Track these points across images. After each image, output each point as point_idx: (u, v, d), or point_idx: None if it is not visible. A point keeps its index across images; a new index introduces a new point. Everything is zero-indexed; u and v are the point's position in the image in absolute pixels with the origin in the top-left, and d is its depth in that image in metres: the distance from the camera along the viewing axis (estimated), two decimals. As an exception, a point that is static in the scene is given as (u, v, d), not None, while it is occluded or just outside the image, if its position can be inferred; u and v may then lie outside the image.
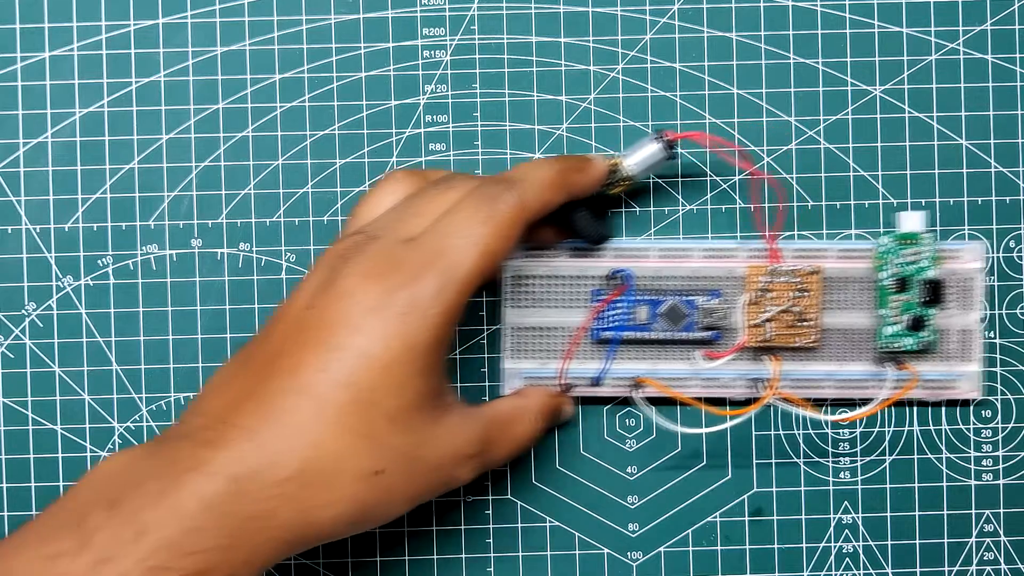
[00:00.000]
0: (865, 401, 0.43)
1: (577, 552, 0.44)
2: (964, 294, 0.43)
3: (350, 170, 0.44)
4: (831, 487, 0.44)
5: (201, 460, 0.34)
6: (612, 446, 0.45)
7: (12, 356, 0.44)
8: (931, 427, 0.44)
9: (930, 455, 0.45)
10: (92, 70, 0.44)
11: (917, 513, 0.44)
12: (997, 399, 0.45)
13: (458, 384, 0.44)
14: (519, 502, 0.44)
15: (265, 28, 0.44)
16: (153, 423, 0.44)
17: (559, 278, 0.43)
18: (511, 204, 0.37)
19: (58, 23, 0.44)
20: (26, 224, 0.44)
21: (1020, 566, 0.45)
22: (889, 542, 0.44)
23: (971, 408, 0.45)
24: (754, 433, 0.44)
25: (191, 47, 0.44)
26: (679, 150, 0.42)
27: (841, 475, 0.44)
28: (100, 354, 0.44)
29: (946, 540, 0.44)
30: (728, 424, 0.42)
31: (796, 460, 0.44)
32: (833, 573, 0.44)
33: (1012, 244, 0.44)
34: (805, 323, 0.42)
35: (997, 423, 0.45)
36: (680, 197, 0.44)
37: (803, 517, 0.44)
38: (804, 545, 0.44)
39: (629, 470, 0.45)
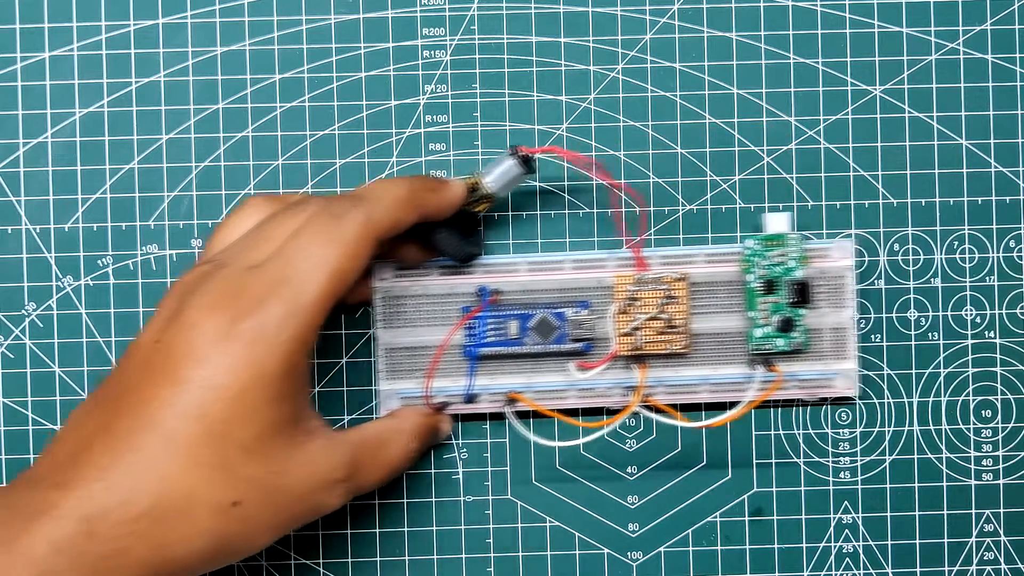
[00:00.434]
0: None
1: (577, 552, 0.44)
2: (836, 292, 0.43)
3: (350, 170, 0.44)
4: (831, 487, 0.44)
5: (51, 503, 0.33)
6: (612, 446, 0.45)
7: (12, 356, 0.44)
8: (931, 427, 0.44)
9: (930, 455, 0.45)
10: (92, 70, 0.44)
11: (917, 513, 0.44)
12: (997, 399, 0.45)
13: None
14: (519, 502, 0.44)
15: (265, 28, 0.44)
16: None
17: (430, 296, 0.43)
18: (358, 222, 0.37)
19: (58, 23, 0.44)
20: (26, 224, 0.44)
21: (1020, 566, 0.45)
22: (889, 542, 0.44)
23: (971, 408, 0.45)
24: (754, 433, 0.44)
25: (191, 47, 0.44)
26: (536, 164, 0.42)
27: (841, 475, 0.44)
28: (100, 354, 0.44)
29: (946, 540, 0.44)
30: (584, 439, 0.42)
31: (796, 460, 0.44)
32: (833, 573, 0.44)
33: (1012, 244, 0.44)
34: (675, 330, 0.42)
35: (997, 423, 0.45)
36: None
37: (803, 517, 0.44)
38: (804, 545, 0.44)
39: (629, 470, 0.45)
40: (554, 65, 0.44)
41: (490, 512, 0.44)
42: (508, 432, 0.44)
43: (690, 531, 0.44)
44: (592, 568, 0.44)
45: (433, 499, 0.44)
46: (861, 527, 0.44)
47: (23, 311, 0.44)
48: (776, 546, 0.44)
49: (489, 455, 0.44)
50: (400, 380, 0.43)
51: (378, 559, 0.44)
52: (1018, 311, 0.45)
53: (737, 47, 0.44)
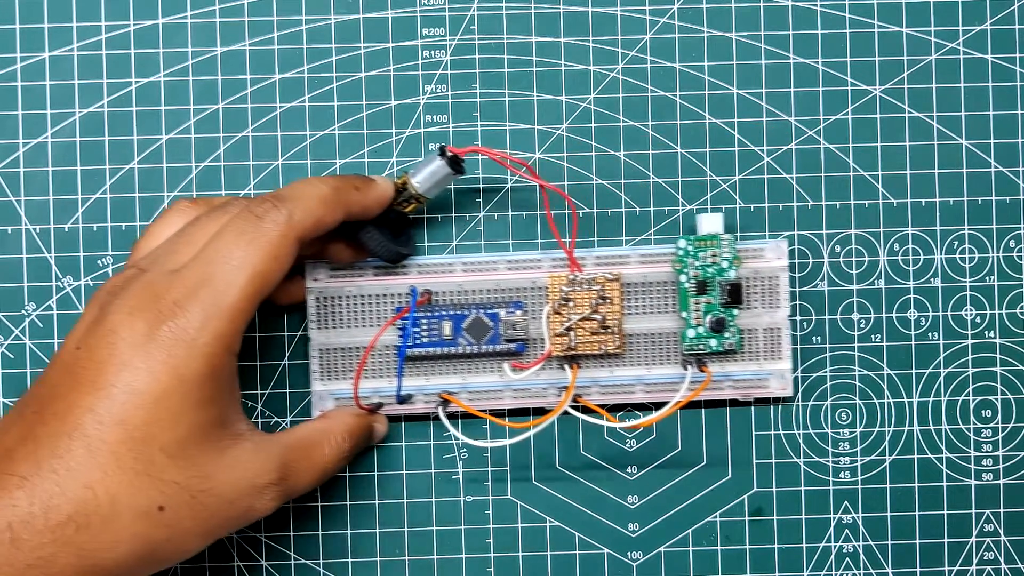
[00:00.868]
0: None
1: (577, 552, 0.44)
2: (770, 293, 0.43)
3: (350, 170, 0.44)
4: (831, 487, 0.44)
5: None
6: (612, 446, 0.45)
7: (12, 356, 0.44)
8: (931, 427, 0.44)
9: (930, 455, 0.45)
10: (92, 70, 0.44)
11: (917, 513, 0.44)
12: (997, 399, 0.45)
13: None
14: (519, 502, 0.44)
15: (265, 28, 0.44)
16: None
17: (364, 297, 0.43)
18: (279, 223, 0.37)
19: (58, 23, 0.44)
20: (26, 224, 0.44)
21: (1020, 566, 0.45)
22: (889, 542, 0.44)
23: (971, 408, 0.45)
24: (754, 433, 0.44)
25: (191, 47, 0.44)
26: (464, 165, 0.42)
27: (841, 475, 0.44)
28: (100, 354, 0.44)
29: (946, 540, 0.44)
30: (511, 439, 0.42)
31: (796, 460, 0.44)
32: (833, 573, 0.44)
33: (1012, 244, 0.44)
34: (608, 330, 0.42)
35: (997, 423, 0.45)
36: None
37: (803, 517, 0.44)
38: (804, 545, 0.44)
39: (629, 470, 0.44)
40: (554, 65, 0.44)
41: (490, 512, 0.44)
42: (508, 432, 0.44)
43: (690, 531, 0.44)
44: (592, 568, 0.44)
45: (433, 499, 0.44)
46: (861, 527, 0.44)
47: (23, 311, 0.44)
48: (776, 546, 0.44)
49: (489, 455, 0.44)
50: (335, 381, 0.43)
51: (378, 559, 0.44)
52: (1018, 311, 0.45)
53: (737, 47, 0.44)
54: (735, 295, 0.42)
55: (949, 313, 0.44)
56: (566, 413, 0.42)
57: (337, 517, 0.44)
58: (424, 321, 0.43)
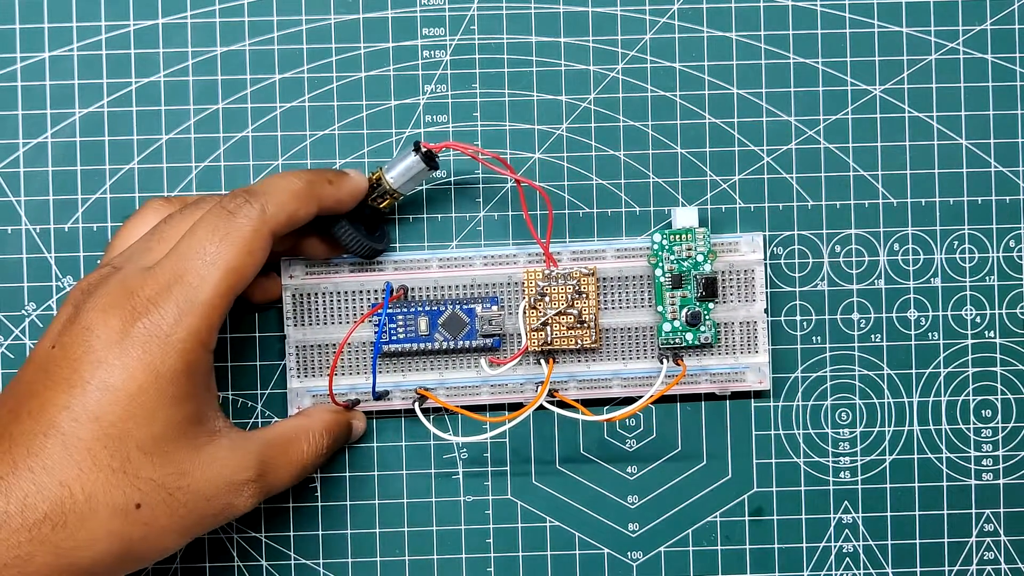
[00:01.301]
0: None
1: (577, 552, 0.44)
2: (746, 286, 0.43)
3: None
4: (831, 487, 0.44)
5: None
6: (612, 446, 0.45)
7: (12, 356, 0.44)
8: (931, 427, 0.44)
9: (930, 455, 0.45)
10: (92, 70, 0.44)
11: (917, 513, 0.44)
12: (997, 399, 0.45)
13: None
14: (519, 502, 0.44)
15: (265, 28, 0.44)
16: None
17: (340, 294, 0.43)
18: (252, 218, 0.37)
19: (58, 23, 0.44)
20: (26, 224, 0.44)
21: (1020, 566, 0.45)
22: (889, 542, 0.44)
23: (971, 408, 0.45)
24: (754, 433, 0.44)
25: (191, 47, 0.44)
26: (439, 162, 0.42)
27: (841, 475, 0.44)
28: (100, 354, 0.44)
29: (946, 540, 0.44)
30: (490, 433, 0.42)
31: (796, 460, 0.44)
32: (833, 573, 0.44)
33: (1012, 244, 0.44)
34: (584, 324, 0.42)
35: (997, 423, 0.45)
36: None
37: (803, 517, 0.44)
38: (804, 545, 0.44)
39: (629, 470, 0.44)
40: (554, 65, 0.44)
41: (490, 512, 0.44)
42: (507, 433, 0.44)
43: (690, 531, 0.44)
44: (592, 568, 0.44)
45: (433, 499, 0.44)
46: (861, 527, 0.44)
47: (23, 311, 0.44)
48: (776, 546, 0.44)
49: (489, 455, 0.44)
50: (311, 378, 0.43)
51: (378, 559, 0.44)
52: (1018, 311, 0.45)
53: (737, 47, 0.44)
54: (710, 289, 0.42)
55: (949, 313, 0.44)
56: (542, 408, 0.42)
57: (337, 517, 0.44)
58: (400, 317, 0.43)
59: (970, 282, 0.44)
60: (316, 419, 0.41)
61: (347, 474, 0.44)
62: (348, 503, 0.44)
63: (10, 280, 0.44)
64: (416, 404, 0.43)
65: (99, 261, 0.40)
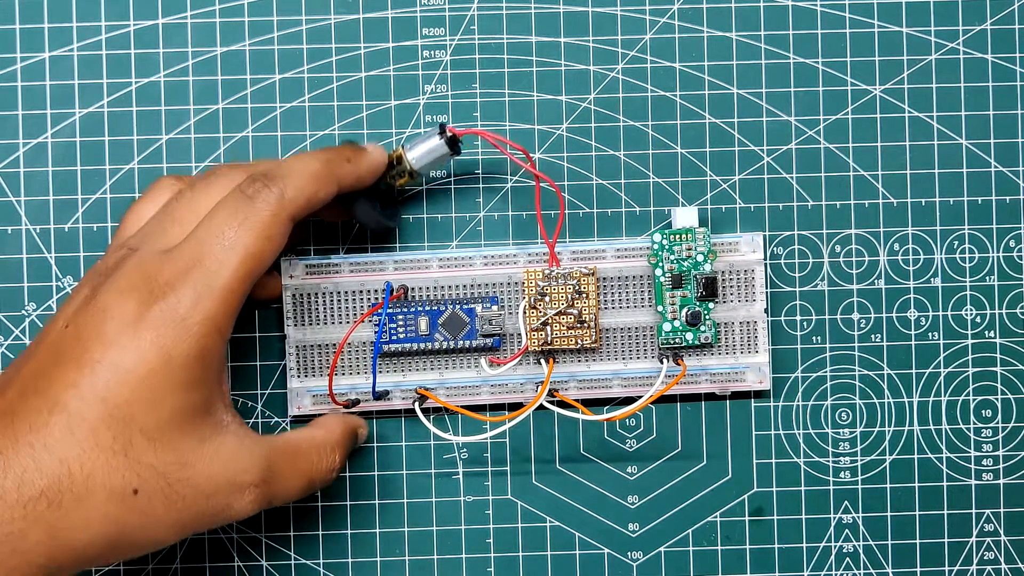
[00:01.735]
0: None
1: (577, 552, 0.44)
2: (746, 286, 0.43)
3: (350, 170, 0.44)
4: (831, 487, 0.44)
5: None
6: (612, 446, 0.45)
7: (12, 356, 0.44)
8: (931, 427, 0.44)
9: (930, 455, 0.45)
10: (92, 70, 0.44)
11: (917, 513, 0.44)
12: (997, 399, 0.45)
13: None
14: (519, 502, 0.44)
15: (265, 28, 0.44)
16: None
17: (340, 294, 0.43)
18: (271, 203, 0.36)
19: (58, 23, 0.44)
20: (26, 224, 0.44)
21: (1020, 566, 0.45)
22: (889, 542, 0.44)
23: (971, 408, 0.45)
24: (754, 433, 0.44)
25: (191, 47, 0.44)
26: (461, 147, 0.42)
27: (841, 475, 0.44)
28: (100, 354, 0.44)
29: (946, 540, 0.44)
30: (491, 433, 0.42)
31: (796, 460, 0.44)
32: (833, 573, 0.44)
33: (1012, 244, 0.44)
34: (584, 324, 0.42)
35: (997, 423, 0.45)
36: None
37: (803, 517, 0.44)
38: (804, 545, 0.44)
39: (629, 470, 0.44)
40: (554, 65, 0.44)
41: (490, 512, 0.44)
42: (508, 432, 0.44)
43: (690, 531, 0.44)
44: (592, 568, 0.44)
45: (433, 499, 0.44)
46: (861, 527, 0.44)
47: (23, 311, 0.44)
48: (776, 546, 0.44)
49: (489, 455, 0.44)
50: (312, 378, 0.43)
51: (378, 559, 0.44)
52: (1018, 311, 0.45)
53: (737, 47, 0.44)
54: (710, 289, 0.42)
55: (949, 313, 0.44)
56: (542, 407, 0.42)
57: (337, 517, 0.44)
58: (400, 317, 0.43)
59: (970, 282, 0.44)
60: (332, 432, 0.41)
61: (347, 474, 0.44)
62: (348, 503, 0.44)
63: (10, 280, 0.44)
64: (416, 404, 0.42)
65: (110, 241, 0.40)
